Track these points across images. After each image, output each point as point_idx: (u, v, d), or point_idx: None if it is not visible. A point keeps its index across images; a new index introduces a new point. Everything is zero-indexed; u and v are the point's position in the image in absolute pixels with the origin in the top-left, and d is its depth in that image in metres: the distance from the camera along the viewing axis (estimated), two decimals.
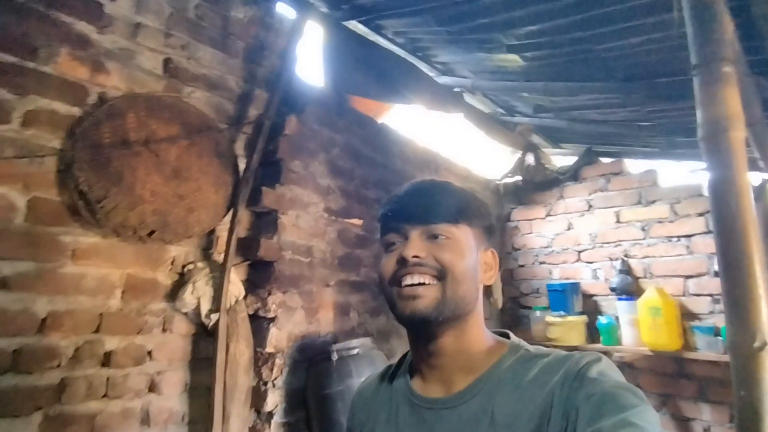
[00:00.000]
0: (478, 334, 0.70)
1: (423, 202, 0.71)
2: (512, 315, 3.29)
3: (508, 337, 0.74)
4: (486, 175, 3.38)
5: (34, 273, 1.33)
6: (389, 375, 0.80)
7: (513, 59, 2.00)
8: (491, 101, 2.83)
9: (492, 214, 0.77)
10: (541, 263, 3.24)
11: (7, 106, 1.33)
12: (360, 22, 2.17)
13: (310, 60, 2.21)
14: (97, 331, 1.42)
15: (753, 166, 2.57)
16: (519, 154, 3.26)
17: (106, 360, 1.43)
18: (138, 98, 1.57)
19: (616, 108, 2.24)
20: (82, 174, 1.38)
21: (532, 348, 0.69)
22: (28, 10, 1.40)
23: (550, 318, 2.87)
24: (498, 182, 3.44)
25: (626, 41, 1.62)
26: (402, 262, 0.68)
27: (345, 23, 2.16)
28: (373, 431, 0.74)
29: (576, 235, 3.09)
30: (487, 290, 3.15)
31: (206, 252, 1.72)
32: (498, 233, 0.82)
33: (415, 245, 0.68)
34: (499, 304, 3.15)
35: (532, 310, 3.08)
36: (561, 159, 3.48)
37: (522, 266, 3.33)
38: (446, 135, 3.24)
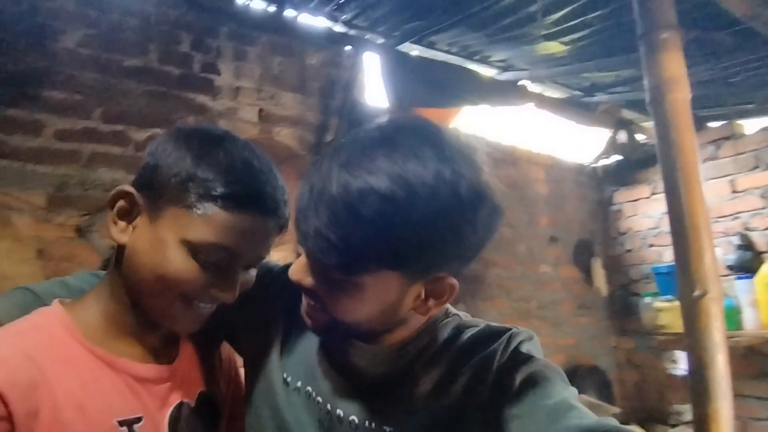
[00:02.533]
0: (404, 330, 0.56)
1: (316, 230, 0.46)
2: (622, 303, 3.11)
3: None
4: (577, 160, 3.28)
5: None
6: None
7: (555, 47, 2.04)
8: (564, 86, 2.80)
9: (464, 232, 0.48)
10: (649, 246, 3.01)
11: None
12: (412, 43, 2.44)
13: (374, 85, 2.55)
14: None
15: None
16: (610, 134, 3.09)
17: None
18: None
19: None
20: None
21: (462, 314, 0.61)
22: (167, 95, 2.04)
23: (659, 304, 2.67)
24: (593, 166, 3.29)
25: None
26: None
27: (401, 48, 2.46)
28: (272, 331, 0.63)
29: None
30: (588, 278, 3.05)
31: (300, 255, 2.17)
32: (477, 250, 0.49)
33: (299, 269, 0.53)
34: (603, 292, 3.02)
35: (642, 297, 2.88)
36: None
37: (629, 251, 3.13)
38: (527, 127, 3.26)
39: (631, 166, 3.11)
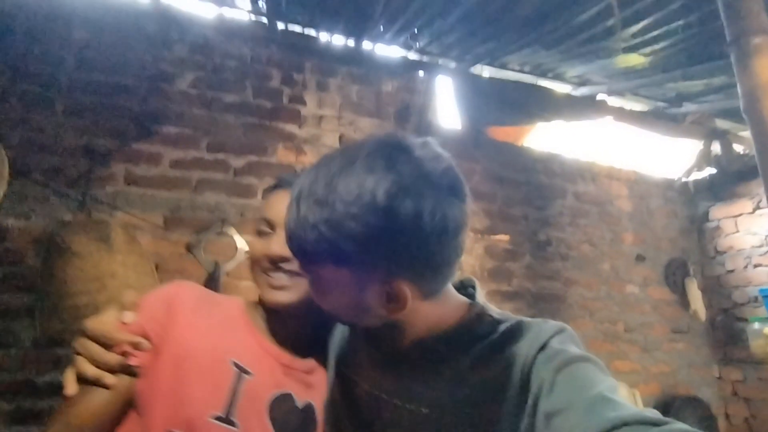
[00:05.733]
0: (411, 330, 0.61)
1: (286, 223, 0.57)
2: (725, 329, 2.82)
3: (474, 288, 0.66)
4: (664, 175, 3.08)
5: None
6: None
7: (635, 59, 1.99)
8: (646, 97, 2.69)
9: (388, 240, 0.51)
10: (755, 266, 2.72)
11: (254, 187, 2.17)
12: (485, 65, 2.50)
13: (447, 107, 2.63)
14: None
15: None
16: (702, 145, 2.89)
17: None
18: None
19: None
20: None
21: (497, 311, 0.62)
22: (261, 126, 2.26)
23: None
24: (684, 180, 3.08)
25: None
26: None
27: (473, 70, 2.53)
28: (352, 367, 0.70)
29: None
30: (683, 300, 2.83)
31: None
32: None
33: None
34: (702, 317, 2.77)
35: (749, 322, 2.60)
36: None
37: (731, 272, 2.85)
38: (607, 142, 3.13)
39: (728, 179, 2.87)
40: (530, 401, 0.50)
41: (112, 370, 0.62)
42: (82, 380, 0.62)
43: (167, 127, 2.10)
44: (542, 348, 0.53)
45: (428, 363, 0.59)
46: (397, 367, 0.62)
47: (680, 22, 1.64)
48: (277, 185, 0.77)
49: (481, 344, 0.57)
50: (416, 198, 0.50)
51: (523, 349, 0.54)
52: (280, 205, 0.70)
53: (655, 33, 1.76)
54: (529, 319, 0.59)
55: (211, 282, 2.02)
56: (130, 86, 2.08)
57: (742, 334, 2.67)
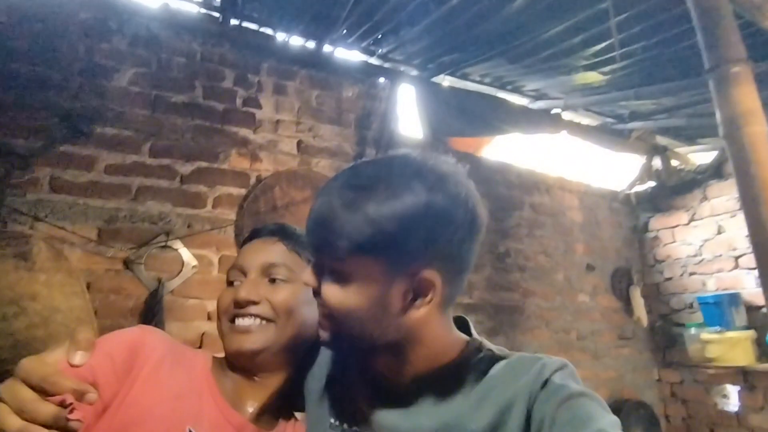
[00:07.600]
0: (420, 349, 0.59)
1: (310, 226, 0.59)
2: (664, 334, 2.99)
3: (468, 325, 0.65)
4: (610, 187, 3.23)
5: None
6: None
7: (593, 77, 2.05)
8: (597, 114, 2.80)
9: (423, 228, 0.53)
10: (691, 274, 2.91)
11: (203, 196, 1.99)
12: (447, 75, 2.48)
13: (409, 115, 2.59)
14: None
15: None
16: (644, 160, 3.06)
17: None
18: (281, 175, 2.14)
19: None
20: None
21: (495, 348, 0.62)
22: (213, 130, 2.08)
23: (706, 335, 2.57)
24: (627, 192, 3.25)
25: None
26: None
27: (434, 79, 2.50)
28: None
29: (729, 239, 2.72)
30: (627, 307, 2.96)
31: None
32: None
33: (307, 275, 0.60)
34: (644, 323, 2.92)
35: (686, 328, 2.77)
36: (703, 156, 3.13)
37: (669, 279, 3.03)
38: (560, 154, 3.24)
39: (666, 193, 3.05)
40: None
41: (43, 424, 0.47)
42: None
43: (103, 127, 1.88)
44: (545, 384, 0.53)
45: (430, 402, 0.58)
46: (397, 409, 0.59)
47: (640, 44, 1.70)
48: (252, 236, 0.76)
49: (482, 381, 0.57)
50: (455, 184, 0.55)
51: (527, 386, 0.54)
52: (252, 254, 0.71)
53: (612, 54, 1.82)
54: (529, 355, 0.59)
55: (153, 301, 1.82)
56: (59, 80, 1.83)
57: (680, 339, 2.84)
